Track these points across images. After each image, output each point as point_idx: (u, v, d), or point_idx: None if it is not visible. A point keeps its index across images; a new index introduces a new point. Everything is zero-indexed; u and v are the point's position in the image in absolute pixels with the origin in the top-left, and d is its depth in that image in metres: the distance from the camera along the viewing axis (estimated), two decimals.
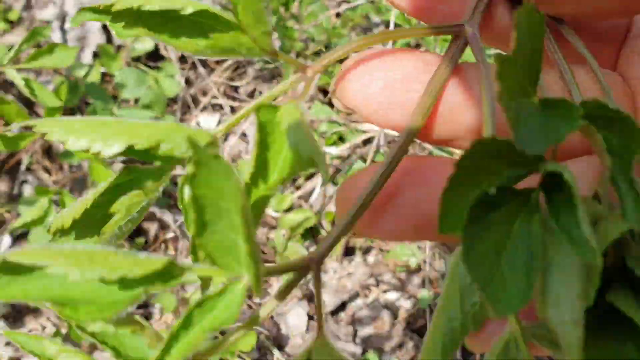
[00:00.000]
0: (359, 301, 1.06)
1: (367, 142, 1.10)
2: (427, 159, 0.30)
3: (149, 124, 0.23)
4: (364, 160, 1.06)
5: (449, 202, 0.20)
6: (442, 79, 0.25)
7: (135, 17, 0.23)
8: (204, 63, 1.23)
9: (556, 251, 0.20)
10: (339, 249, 1.06)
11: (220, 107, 1.21)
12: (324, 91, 1.18)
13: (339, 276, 1.06)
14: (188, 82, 1.21)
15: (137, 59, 1.16)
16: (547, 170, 0.21)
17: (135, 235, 1.08)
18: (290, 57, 0.24)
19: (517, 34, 0.21)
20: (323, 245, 0.23)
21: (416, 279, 1.06)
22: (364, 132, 1.10)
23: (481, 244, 0.20)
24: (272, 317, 1.04)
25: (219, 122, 1.20)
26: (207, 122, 1.18)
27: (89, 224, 0.24)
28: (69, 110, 1.04)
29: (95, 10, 0.24)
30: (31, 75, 0.94)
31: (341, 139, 1.12)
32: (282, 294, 0.21)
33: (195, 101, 1.21)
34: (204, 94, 1.21)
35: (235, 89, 1.22)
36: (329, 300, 1.05)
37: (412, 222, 0.26)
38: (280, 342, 1.03)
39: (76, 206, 0.24)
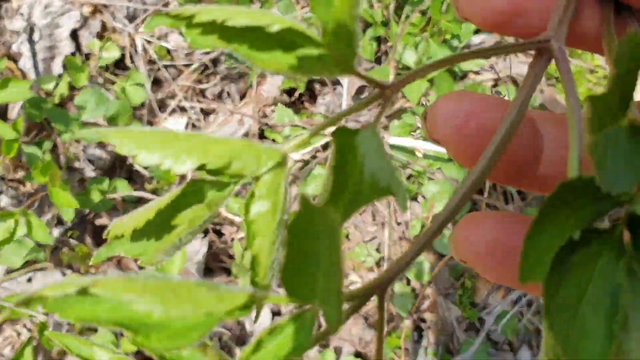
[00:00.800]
0: None
1: (326, 146, 1.12)
2: None
3: (220, 141, 0.23)
4: (323, 165, 1.09)
5: (531, 249, 0.19)
6: (527, 96, 0.24)
7: (217, 30, 0.22)
8: (171, 66, 1.25)
9: (637, 292, 0.19)
10: None
11: (189, 109, 1.24)
12: (288, 92, 1.20)
13: None
14: (155, 86, 1.24)
15: (105, 68, 1.19)
16: (634, 213, 0.19)
17: None
18: (370, 76, 0.24)
19: (617, 69, 0.20)
20: (390, 271, 0.22)
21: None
22: (325, 135, 1.12)
23: (561, 290, 0.19)
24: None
25: (187, 125, 1.23)
26: (174, 125, 1.22)
27: (150, 234, 0.23)
28: (38, 125, 1.08)
29: (172, 16, 0.23)
30: None
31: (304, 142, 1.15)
32: (344, 319, 0.20)
33: (163, 105, 1.24)
34: (172, 97, 1.23)
35: (203, 91, 1.25)
36: None
37: None
38: (244, 340, 1.09)
39: (138, 215, 0.23)
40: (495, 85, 1.29)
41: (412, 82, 0.25)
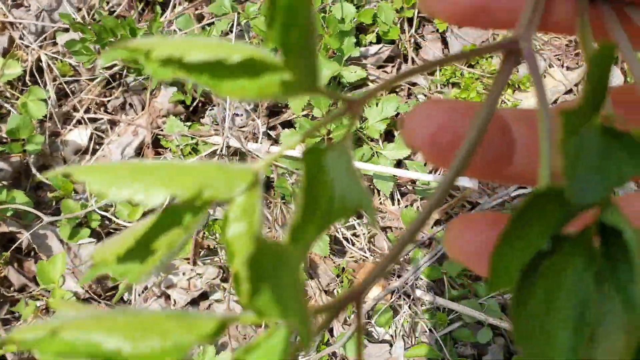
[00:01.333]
0: (209, 300, 1.20)
1: (213, 154, 1.20)
2: None
3: (189, 169, 0.23)
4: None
5: (500, 258, 0.19)
6: (495, 96, 0.24)
7: (176, 64, 0.22)
8: (76, 81, 1.33)
9: (605, 304, 0.19)
10: (188, 249, 1.19)
11: (93, 121, 1.32)
12: (183, 103, 1.28)
13: (189, 277, 1.19)
14: (62, 99, 1.32)
15: (9, 83, 1.26)
16: (605, 222, 0.19)
17: None
18: (336, 92, 0.25)
19: (588, 83, 0.20)
20: (365, 281, 0.23)
21: None
22: (213, 144, 1.20)
23: (531, 300, 0.19)
24: None
25: (91, 136, 1.30)
26: (78, 137, 1.29)
27: (132, 259, 0.23)
28: None
29: (131, 50, 0.23)
30: None
31: (195, 151, 1.23)
32: (319, 330, 0.22)
33: (69, 118, 1.32)
34: (75, 110, 1.31)
35: (105, 104, 1.32)
36: (179, 298, 1.19)
37: None
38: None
39: (118, 243, 0.24)
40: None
41: (375, 96, 0.25)
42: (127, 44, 0.23)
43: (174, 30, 1.34)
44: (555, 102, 1.57)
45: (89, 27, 1.09)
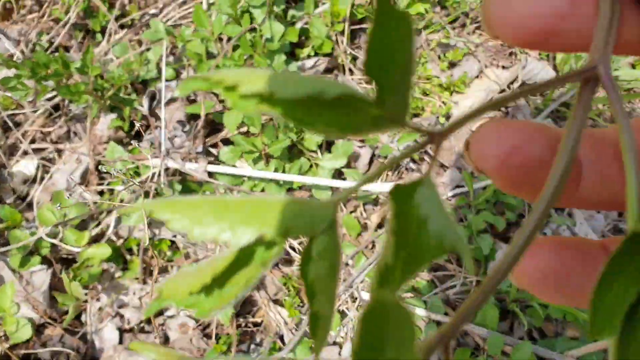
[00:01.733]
0: (163, 317, 1.24)
1: (152, 176, 1.24)
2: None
3: (271, 205, 0.22)
4: (147, 195, 1.21)
5: (601, 304, 0.18)
6: (579, 128, 0.23)
7: (262, 100, 0.22)
8: (20, 114, 1.36)
9: None
10: (137, 268, 1.23)
11: (39, 150, 1.35)
12: (123, 129, 1.32)
13: (139, 296, 1.24)
14: (7, 132, 1.35)
15: None
16: None
17: None
18: (418, 124, 0.25)
19: None
20: (454, 323, 0.21)
21: None
22: (152, 167, 1.24)
23: (632, 346, 0.18)
24: (85, 335, 1.22)
25: (38, 166, 1.34)
26: (25, 168, 1.33)
27: (206, 294, 0.23)
28: None
29: (212, 83, 0.22)
30: None
31: (137, 174, 1.27)
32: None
33: (15, 149, 1.35)
34: (21, 141, 1.35)
35: (50, 133, 1.36)
36: (133, 316, 1.23)
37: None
38: (94, 356, 1.21)
39: (192, 277, 0.23)
40: None
41: (460, 127, 0.25)
42: (208, 77, 0.22)
43: (111, 59, 1.39)
44: (491, 100, 1.62)
45: (23, 63, 1.13)
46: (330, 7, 1.43)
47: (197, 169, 1.22)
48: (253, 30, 1.33)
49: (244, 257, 0.23)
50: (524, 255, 0.24)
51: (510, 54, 1.70)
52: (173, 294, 0.23)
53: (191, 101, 1.36)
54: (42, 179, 1.33)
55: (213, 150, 1.32)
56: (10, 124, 1.34)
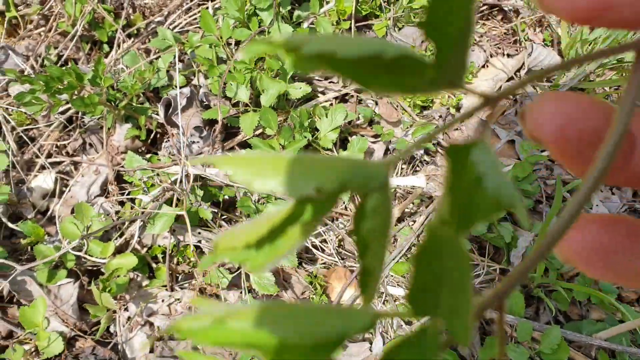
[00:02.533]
0: None
1: (174, 183, 1.24)
2: None
3: (328, 163, 0.23)
4: (170, 203, 1.22)
5: None
6: (632, 101, 0.23)
7: (325, 60, 0.22)
8: (34, 129, 1.36)
9: None
10: (163, 275, 1.23)
11: (56, 164, 1.35)
12: (138, 138, 1.33)
13: (168, 303, 1.24)
14: (23, 148, 1.35)
15: None
16: None
17: None
18: (471, 87, 0.26)
19: None
20: (507, 284, 0.22)
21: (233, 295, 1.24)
22: (173, 174, 1.25)
23: None
24: (115, 346, 1.22)
25: (56, 179, 1.34)
26: (44, 182, 1.33)
27: (258, 249, 0.24)
28: None
29: (275, 45, 0.22)
30: None
31: (153, 185, 1.27)
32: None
33: (33, 164, 1.36)
34: (37, 156, 1.35)
35: (66, 146, 1.36)
36: (162, 324, 1.23)
37: None
38: None
39: (248, 229, 0.24)
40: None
41: (512, 94, 0.26)
42: (270, 39, 0.22)
43: (121, 69, 1.39)
44: (499, 89, 1.64)
45: (36, 78, 1.13)
46: (335, 6, 1.43)
47: (217, 173, 1.22)
48: (261, 32, 1.34)
49: (299, 210, 0.23)
50: (572, 230, 0.24)
51: (515, 41, 1.71)
52: (230, 246, 0.24)
53: (205, 107, 1.36)
54: (62, 192, 1.33)
55: (230, 154, 1.32)
56: (26, 139, 1.34)
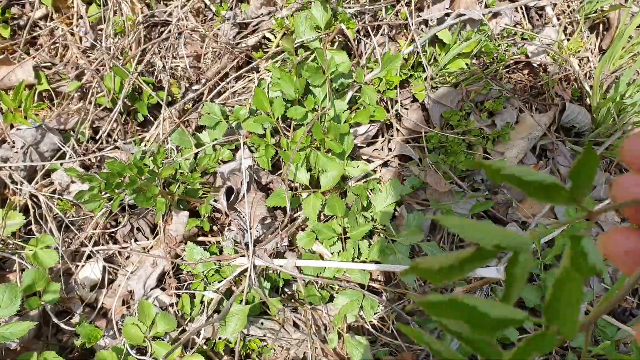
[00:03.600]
0: None
1: (240, 274, 1.20)
2: None
3: (502, 232, 0.34)
4: (230, 294, 1.17)
5: None
6: None
7: (514, 180, 0.35)
8: (78, 217, 1.29)
9: None
10: None
11: (102, 253, 1.28)
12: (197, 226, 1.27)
13: None
14: (66, 238, 1.28)
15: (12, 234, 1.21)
16: None
17: None
18: (586, 206, 0.36)
19: None
20: (594, 315, 0.37)
21: None
22: (238, 266, 1.20)
23: None
24: None
25: (104, 268, 1.27)
26: (91, 272, 1.26)
27: (450, 272, 0.35)
28: None
29: (489, 167, 0.37)
30: None
31: (217, 272, 1.23)
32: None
33: (79, 254, 1.28)
34: (84, 246, 1.28)
35: (113, 234, 1.30)
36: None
37: None
38: None
39: (441, 260, 0.35)
40: None
41: (608, 211, 0.36)
42: (484, 163, 0.35)
43: (171, 149, 1.33)
44: (534, 148, 1.65)
45: (98, 174, 1.07)
46: (384, 77, 1.41)
47: (286, 265, 1.19)
48: (314, 109, 1.30)
49: (478, 254, 0.35)
50: (615, 234, 0.37)
51: (541, 94, 1.72)
52: (428, 267, 0.34)
53: (258, 184, 1.32)
54: (112, 280, 1.27)
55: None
56: (73, 228, 1.27)
